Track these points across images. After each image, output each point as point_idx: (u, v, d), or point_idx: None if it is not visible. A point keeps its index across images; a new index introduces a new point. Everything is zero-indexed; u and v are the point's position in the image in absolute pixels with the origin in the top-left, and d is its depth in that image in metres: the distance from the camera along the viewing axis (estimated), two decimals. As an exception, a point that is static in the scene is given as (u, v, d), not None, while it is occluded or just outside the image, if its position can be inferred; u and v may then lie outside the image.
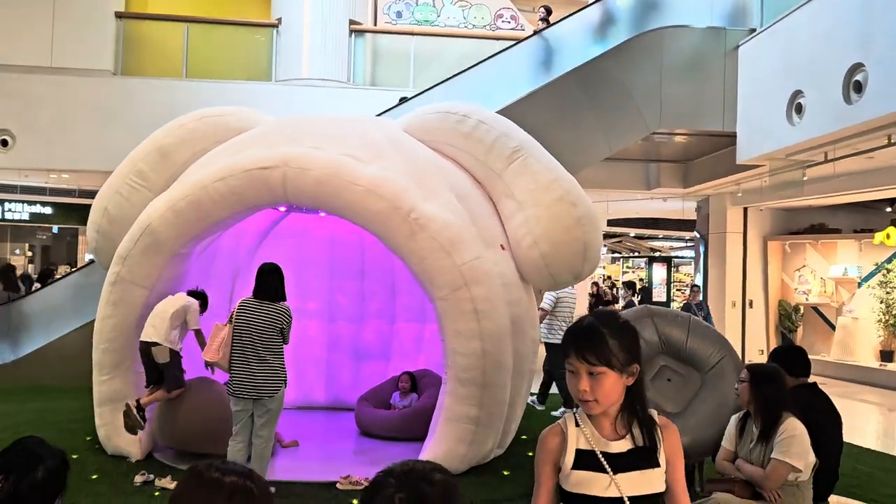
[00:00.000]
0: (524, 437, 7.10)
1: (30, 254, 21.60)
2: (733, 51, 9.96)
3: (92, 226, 7.13)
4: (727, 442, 3.77)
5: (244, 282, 7.97)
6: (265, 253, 8.05)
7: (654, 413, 1.93)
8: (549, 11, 11.40)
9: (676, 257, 23.30)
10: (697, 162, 12.54)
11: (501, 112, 9.53)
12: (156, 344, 5.79)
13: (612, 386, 1.83)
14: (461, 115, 6.70)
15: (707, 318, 11.11)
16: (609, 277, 23.02)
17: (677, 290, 21.44)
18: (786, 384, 3.68)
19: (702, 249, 14.08)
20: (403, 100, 10.56)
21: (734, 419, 3.80)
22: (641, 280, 20.94)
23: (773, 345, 13.21)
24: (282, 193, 5.83)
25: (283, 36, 12.91)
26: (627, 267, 24.16)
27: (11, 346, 10.61)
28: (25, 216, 18.54)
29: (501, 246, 6.33)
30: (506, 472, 5.86)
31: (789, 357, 4.14)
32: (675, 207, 14.71)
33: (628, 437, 1.88)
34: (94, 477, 5.43)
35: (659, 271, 21.74)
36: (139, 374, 6.11)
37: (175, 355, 5.89)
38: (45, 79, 12.15)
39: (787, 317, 13.43)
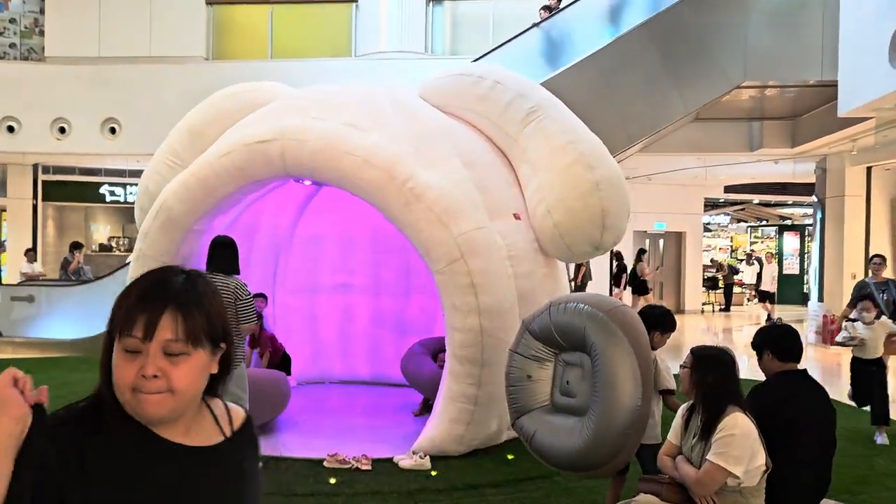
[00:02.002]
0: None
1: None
2: (834, -12, 8.73)
3: (137, 204, 7.44)
4: (672, 434, 3.22)
5: (287, 257, 8.07)
6: (307, 228, 8.10)
7: None
8: None
9: (811, 225, 21.19)
10: (806, 117, 11.23)
11: (567, 72, 9.04)
12: None
13: None
14: (476, 76, 6.31)
15: None
16: (736, 250, 21.38)
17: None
18: (733, 371, 3.08)
19: (818, 216, 12.66)
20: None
21: (682, 409, 3.25)
22: (771, 253, 19.18)
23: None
24: (281, 166, 5.75)
25: (362, 11, 12.92)
26: (755, 237, 22.33)
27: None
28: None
29: (515, 215, 5.92)
30: (510, 456, 5.50)
31: (776, 338, 3.50)
32: (786, 171, 13.31)
33: None
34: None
35: (791, 241, 19.90)
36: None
37: None
38: (145, 68, 12.90)
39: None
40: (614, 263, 14.76)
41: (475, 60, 9.98)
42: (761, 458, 2.93)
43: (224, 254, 5.08)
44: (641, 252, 16.02)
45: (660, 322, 4.06)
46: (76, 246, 13.50)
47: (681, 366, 3.23)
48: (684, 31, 8.94)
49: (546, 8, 10.45)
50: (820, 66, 8.82)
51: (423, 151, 5.75)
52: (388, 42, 12.53)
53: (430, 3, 12.67)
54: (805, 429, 3.29)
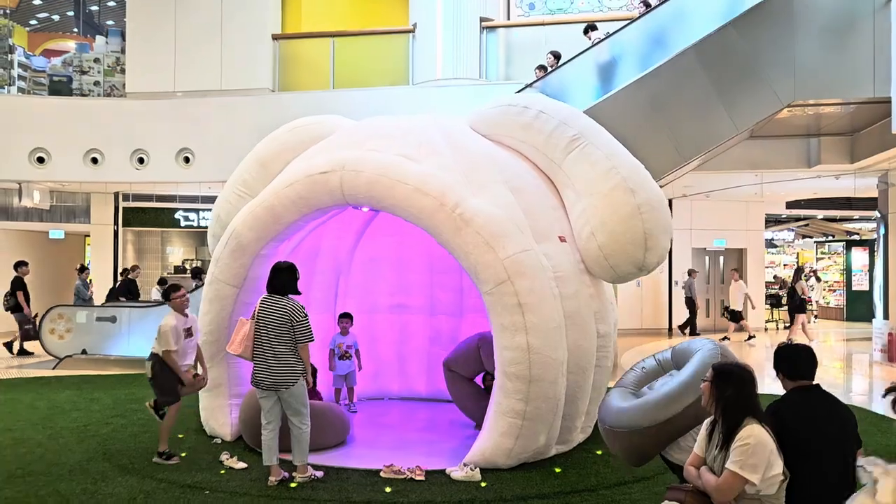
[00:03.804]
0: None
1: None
2: (885, 5, 8.73)
3: (210, 231, 8.00)
4: (697, 447, 3.43)
5: (346, 278, 8.51)
6: (365, 251, 8.54)
7: None
8: None
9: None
10: (864, 133, 11.12)
11: (617, 95, 9.27)
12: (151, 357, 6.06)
13: None
14: (522, 106, 6.63)
15: None
16: (803, 267, 20.85)
17: None
18: (751, 386, 3.27)
19: (882, 231, 12.43)
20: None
21: (706, 422, 3.45)
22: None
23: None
24: (340, 195, 6.18)
25: (419, 40, 13.38)
26: (822, 252, 21.79)
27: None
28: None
29: (560, 238, 6.18)
30: (557, 469, 5.73)
31: (790, 356, 3.64)
32: (847, 186, 13.11)
33: None
34: (184, 454, 6.13)
35: (859, 256, 19.37)
36: (237, 364, 6.75)
37: (159, 368, 5.97)
38: (216, 101, 13.67)
39: None
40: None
41: (520, 90, 10.32)
42: (778, 468, 3.12)
43: (282, 278, 5.47)
44: (799, 271, 16.25)
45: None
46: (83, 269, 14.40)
47: (702, 380, 3.45)
48: (733, 52, 9.05)
49: (541, 67, 10.79)
50: (872, 83, 8.79)
51: (472, 179, 6.10)
52: (443, 69, 12.95)
53: (484, 31, 13.05)
54: (820, 441, 3.43)
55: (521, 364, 5.59)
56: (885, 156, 10.77)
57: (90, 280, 14.65)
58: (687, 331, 16.12)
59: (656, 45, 9.70)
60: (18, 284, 12.71)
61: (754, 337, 15.20)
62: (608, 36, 9.96)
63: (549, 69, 10.52)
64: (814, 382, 3.58)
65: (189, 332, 6.13)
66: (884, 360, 12.03)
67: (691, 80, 9.10)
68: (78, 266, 14.68)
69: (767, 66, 8.96)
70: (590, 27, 10.70)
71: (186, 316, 6.16)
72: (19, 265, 13.01)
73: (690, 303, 16.24)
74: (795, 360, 3.58)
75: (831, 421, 3.48)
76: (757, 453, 3.08)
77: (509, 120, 6.68)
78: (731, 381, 3.28)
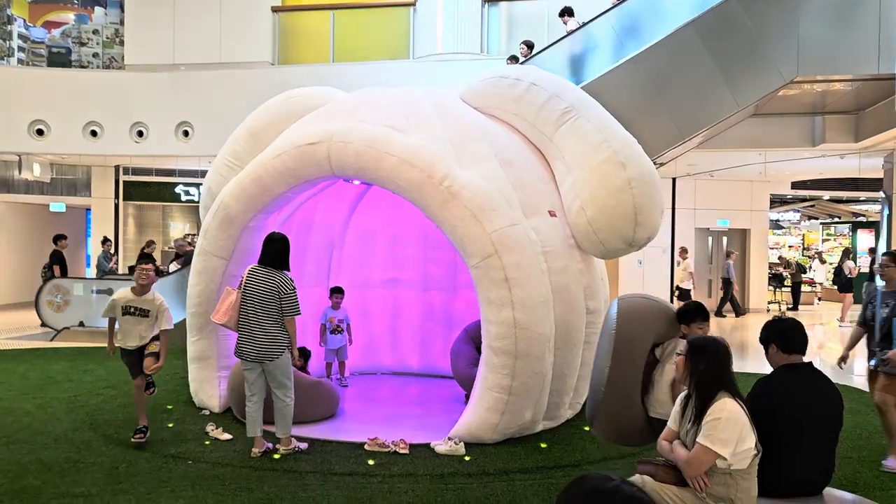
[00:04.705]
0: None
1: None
2: (892, -21, 8.52)
3: (201, 203, 7.94)
4: (671, 421, 3.37)
5: (339, 253, 8.46)
6: (358, 225, 8.47)
7: None
8: None
9: (885, 222, 20.33)
10: (869, 111, 10.93)
11: (614, 71, 9.12)
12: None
13: None
14: (514, 78, 6.52)
15: None
16: (808, 248, 20.74)
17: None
18: (724, 359, 3.21)
19: (885, 212, 12.26)
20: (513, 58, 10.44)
21: (680, 397, 3.39)
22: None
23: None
24: (327, 167, 6.10)
25: (419, 14, 13.23)
26: (828, 234, 21.57)
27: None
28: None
29: (551, 212, 6.10)
30: (543, 445, 5.70)
31: (782, 331, 3.59)
32: (852, 166, 12.92)
33: None
34: (170, 425, 6.14)
35: (865, 238, 19.16)
36: (226, 336, 6.72)
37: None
38: (216, 74, 13.57)
39: None
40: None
41: (523, 62, 10.18)
42: (750, 442, 3.06)
43: (274, 250, 5.40)
44: (847, 252, 16.66)
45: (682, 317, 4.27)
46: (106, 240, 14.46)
47: (676, 353, 3.39)
48: (734, 27, 8.87)
49: (526, 44, 10.63)
50: (877, 59, 8.61)
51: (462, 151, 6.01)
52: (444, 44, 12.80)
53: (486, 4, 12.87)
54: (808, 419, 3.39)
55: (508, 339, 5.54)
56: (891, 134, 10.59)
57: (113, 252, 14.63)
58: (726, 308, 16.23)
59: (655, 19, 9.52)
60: (57, 258, 12.81)
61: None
62: (582, 25, 9.83)
63: (522, 59, 10.37)
64: (805, 360, 3.53)
65: (141, 312, 5.57)
66: (884, 341, 11.90)
67: (692, 55, 8.94)
68: (102, 237, 14.74)
69: (770, 41, 8.78)
70: (565, 11, 10.52)
71: (141, 292, 5.60)
72: (58, 238, 13.10)
73: (727, 283, 16.46)
74: (790, 335, 3.51)
75: (819, 400, 3.43)
76: (728, 427, 3.02)
77: (501, 92, 6.57)
78: (704, 355, 3.21)
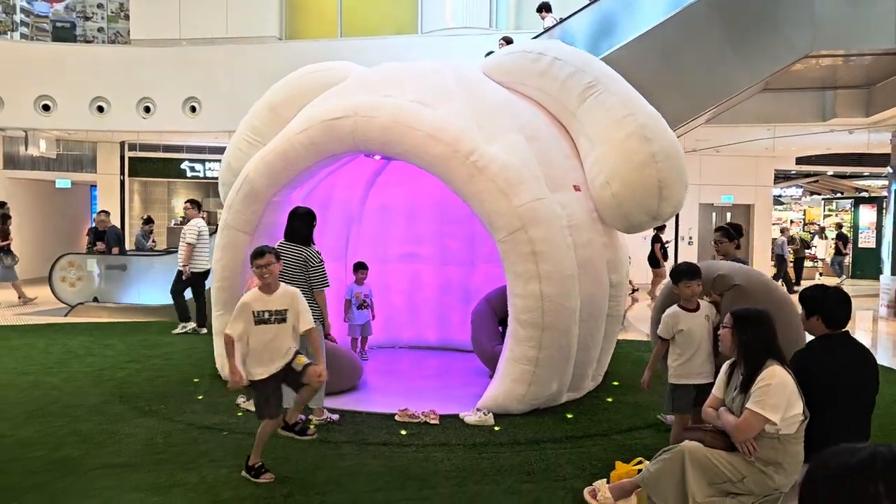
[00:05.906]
0: (615, 382, 6.95)
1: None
2: (909, -49, 8.51)
3: (220, 179, 7.97)
4: (716, 389, 3.47)
5: (358, 228, 8.50)
6: (377, 200, 8.50)
7: None
8: None
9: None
10: (880, 86, 10.95)
11: (627, 46, 9.12)
12: None
13: None
14: (537, 52, 6.53)
15: None
16: (811, 223, 20.86)
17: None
18: (771, 329, 3.28)
19: (893, 187, 12.35)
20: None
21: (725, 365, 3.48)
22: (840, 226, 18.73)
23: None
24: (351, 141, 6.12)
25: (428, -12, 13.15)
26: (830, 210, 21.68)
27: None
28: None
29: (575, 187, 6.15)
30: (569, 415, 5.80)
31: (831, 306, 3.57)
32: (861, 141, 12.98)
33: None
34: (200, 398, 6.22)
35: (867, 214, 19.28)
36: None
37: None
38: (223, 49, 13.51)
39: None
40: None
41: (536, 37, 10.16)
42: (798, 408, 3.15)
43: (300, 224, 5.44)
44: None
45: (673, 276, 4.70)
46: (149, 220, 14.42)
47: (722, 325, 3.46)
48: (748, 1, 8.87)
49: (544, 7, 10.57)
50: (893, 34, 8.62)
51: (486, 126, 6.03)
52: (453, 18, 12.76)
53: (495, -22, 12.82)
54: (842, 386, 3.47)
55: (535, 312, 5.62)
56: (900, 109, 10.63)
57: (150, 232, 14.51)
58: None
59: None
60: (99, 235, 12.72)
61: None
62: (561, 21, 9.82)
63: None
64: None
65: (279, 316, 4.33)
66: (890, 315, 12.08)
67: (706, 28, 8.94)
68: (146, 216, 14.71)
69: (784, 15, 8.78)
70: (543, 7, 10.46)
71: (269, 291, 4.34)
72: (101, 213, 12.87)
73: (780, 259, 16.76)
74: (836, 312, 3.48)
75: (854, 367, 3.50)
76: (778, 393, 3.11)
77: (524, 67, 6.58)
78: (749, 324, 3.29)
